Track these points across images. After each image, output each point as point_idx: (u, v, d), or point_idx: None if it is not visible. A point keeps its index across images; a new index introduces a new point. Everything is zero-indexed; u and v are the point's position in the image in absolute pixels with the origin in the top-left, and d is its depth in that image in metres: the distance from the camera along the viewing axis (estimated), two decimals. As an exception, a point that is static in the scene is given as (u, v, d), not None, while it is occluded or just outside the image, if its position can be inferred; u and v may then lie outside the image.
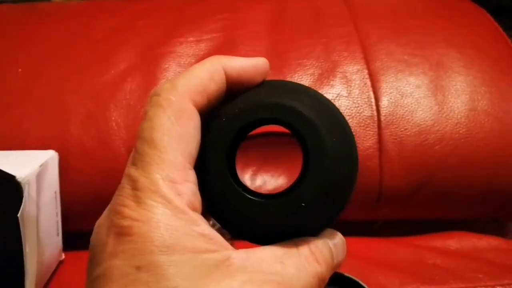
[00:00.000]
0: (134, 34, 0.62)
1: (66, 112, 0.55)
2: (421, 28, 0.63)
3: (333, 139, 0.22)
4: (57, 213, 0.51)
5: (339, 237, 0.24)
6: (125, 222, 0.19)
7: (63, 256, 0.53)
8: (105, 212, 0.21)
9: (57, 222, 0.51)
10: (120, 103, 0.56)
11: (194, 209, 0.20)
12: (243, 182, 0.23)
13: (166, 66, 0.59)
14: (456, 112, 0.56)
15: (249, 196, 0.22)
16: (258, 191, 0.23)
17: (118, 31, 0.62)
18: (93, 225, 0.55)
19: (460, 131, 0.55)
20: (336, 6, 0.66)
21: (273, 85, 0.24)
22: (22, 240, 0.42)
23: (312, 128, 0.22)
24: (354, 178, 0.22)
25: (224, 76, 0.23)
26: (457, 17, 0.66)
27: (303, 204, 0.21)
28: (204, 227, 0.20)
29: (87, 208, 0.54)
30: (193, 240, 0.19)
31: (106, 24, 0.63)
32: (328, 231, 0.23)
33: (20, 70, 0.57)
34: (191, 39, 0.62)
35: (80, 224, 0.54)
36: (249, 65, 0.24)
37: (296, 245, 0.22)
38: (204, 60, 0.23)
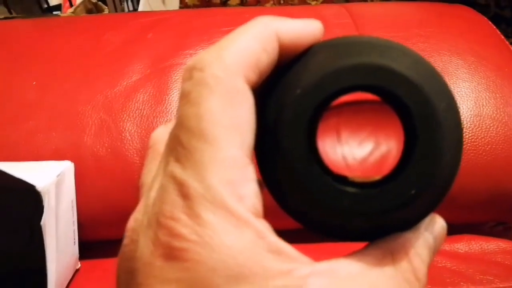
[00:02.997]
0: (144, 47, 0.63)
1: (80, 123, 0.56)
2: (425, 37, 0.64)
3: (441, 105, 0.17)
4: (73, 222, 0.52)
5: (439, 224, 0.19)
6: (177, 243, 0.16)
7: (79, 265, 0.54)
8: (140, 216, 0.17)
9: (74, 231, 0.52)
10: (133, 113, 0.57)
11: (257, 215, 0.16)
12: (329, 167, 0.18)
13: (177, 77, 0.60)
14: (461, 118, 0.57)
15: (345, 188, 0.17)
16: (350, 177, 0.18)
17: (128, 43, 0.64)
18: (108, 234, 0.55)
19: (466, 136, 0.56)
20: (341, 16, 0.67)
21: (343, 43, 0.19)
22: (45, 248, 0.43)
23: (417, 93, 0.17)
24: (462, 150, 0.18)
25: (277, 45, 0.18)
26: (459, 25, 0.67)
27: (413, 192, 0.17)
28: (272, 238, 0.16)
29: (101, 218, 0.54)
30: (262, 261, 0.16)
31: (116, 37, 0.64)
32: (428, 217, 0.19)
33: (34, 82, 0.58)
34: (200, 50, 0.63)
35: (95, 233, 0.55)
36: (305, 29, 0.19)
37: (392, 254, 0.17)
38: (250, 23, 0.18)
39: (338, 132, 0.22)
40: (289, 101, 0.18)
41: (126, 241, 0.18)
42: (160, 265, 0.16)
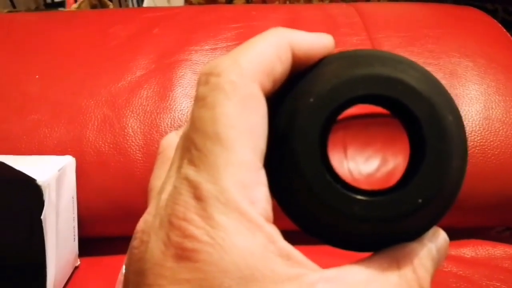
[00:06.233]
0: (149, 42, 0.63)
1: (83, 117, 0.56)
2: (434, 38, 0.63)
3: (449, 117, 0.18)
4: (74, 218, 0.51)
5: (442, 237, 0.20)
6: (189, 244, 0.16)
7: (79, 262, 0.53)
8: (150, 218, 0.18)
9: (74, 227, 0.51)
10: (136, 109, 0.56)
11: (268, 219, 0.17)
12: (338, 175, 0.18)
13: (182, 73, 0.59)
14: (470, 120, 0.56)
15: (355, 195, 0.18)
16: (358, 186, 0.19)
17: (134, 38, 0.63)
18: (109, 231, 0.54)
19: (475, 139, 0.55)
20: (349, 15, 0.67)
21: (355, 55, 0.19)
22: (45, 243, 0.42)
23: (427, 105, 0.18)
24: (467, 164, 0.19)
25: (290, 55, 0.19)
26: (469, 27, 0.66)
27: (420, 201, 0.17)
28: (281, 243, 0.17)
29: (102, 214, 0.54)
30: (272, 266, 0.16)
31: (122, 31, 0.64)
32: (431, 230, 0.19)
33: (37, 76, 0.58)
34: (206, 47, 0.62)
35: (95, 230, 0.54)
36: (318, 41, 0.20)
37: (397, 262, 0.18)
38: (266, 32, 0.19)
39: (345, 147, 0.22)
40: (302, 109, 0.18)
41: (135, 242, 0.18)
42: (171, 265, 0.16)
